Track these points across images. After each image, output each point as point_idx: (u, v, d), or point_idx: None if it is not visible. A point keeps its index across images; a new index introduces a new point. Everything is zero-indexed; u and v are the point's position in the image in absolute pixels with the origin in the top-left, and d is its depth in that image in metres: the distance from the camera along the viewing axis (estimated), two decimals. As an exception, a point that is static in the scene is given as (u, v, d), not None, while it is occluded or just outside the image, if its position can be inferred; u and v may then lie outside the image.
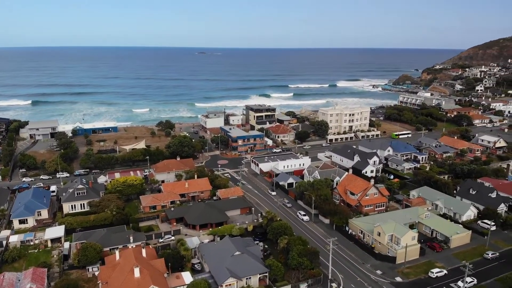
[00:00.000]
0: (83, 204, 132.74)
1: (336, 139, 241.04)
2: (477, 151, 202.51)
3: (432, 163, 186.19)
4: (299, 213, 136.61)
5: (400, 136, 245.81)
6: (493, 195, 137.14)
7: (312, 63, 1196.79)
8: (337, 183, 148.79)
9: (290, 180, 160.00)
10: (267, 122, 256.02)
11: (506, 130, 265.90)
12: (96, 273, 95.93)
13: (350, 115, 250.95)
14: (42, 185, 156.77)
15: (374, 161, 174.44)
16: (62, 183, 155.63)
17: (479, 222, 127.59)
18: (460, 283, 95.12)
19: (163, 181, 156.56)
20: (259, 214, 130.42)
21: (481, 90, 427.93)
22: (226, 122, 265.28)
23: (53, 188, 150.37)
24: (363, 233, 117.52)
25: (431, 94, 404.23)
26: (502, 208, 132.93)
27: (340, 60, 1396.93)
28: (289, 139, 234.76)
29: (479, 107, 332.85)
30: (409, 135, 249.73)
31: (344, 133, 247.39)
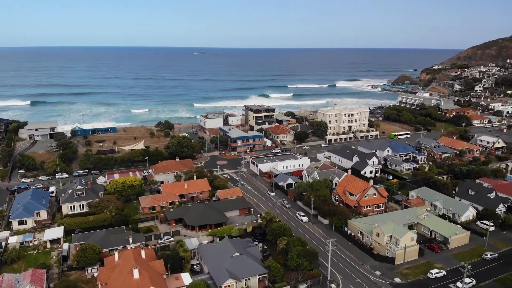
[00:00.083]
0: (82, 205, 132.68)
1: (335, 140, 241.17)
2: (476, 151, 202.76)
3: (431, 163, 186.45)
4: (298, 213, 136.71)
5: (399, 137, 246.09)
6: (492, 195, 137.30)
7: (311, 63, 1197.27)
8: (336, 184, 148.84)
9: (289, 181, 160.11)
10: (266, 123, 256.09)
11: (505, 130, 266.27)
12: (95, 274, 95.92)
13: (349, 115, 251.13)
14: (41, 186, 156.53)
15: (373, 162, 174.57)
16: (61, 184, 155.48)
17: (478, 222, 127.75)
18: (459, 284, 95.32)
19: (162, 182, 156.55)
20: (258, 215, 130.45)
21: (480, 90, 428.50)
22: (225, 122, 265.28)
23: (52, 189, 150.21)
24: (362, 233, 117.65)
25: (430, 94, 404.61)
26: (501, 208, 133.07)
27: (339, 60, 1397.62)
28: (288, 139, 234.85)
29: (478, 107, 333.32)
30: (408, 136, 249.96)
31: (343, 133, 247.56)
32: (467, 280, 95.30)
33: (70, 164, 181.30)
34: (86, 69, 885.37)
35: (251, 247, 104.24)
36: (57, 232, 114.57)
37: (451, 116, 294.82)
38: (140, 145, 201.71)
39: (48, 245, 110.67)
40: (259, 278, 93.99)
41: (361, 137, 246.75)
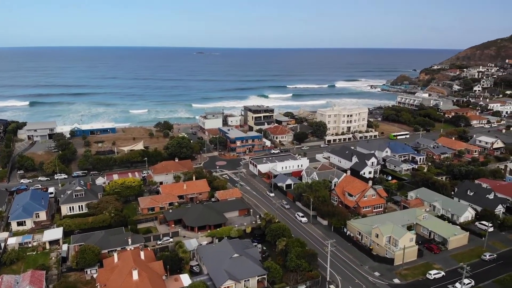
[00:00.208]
0: (81, 206, 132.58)
1: (334, 140, 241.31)
2: (475, 152, 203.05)
3: (430, 164, 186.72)
4: (297, 214, 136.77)
5: (398, 137, 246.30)
6: (491, 196, 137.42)
7: (311, 63, 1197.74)
8: (335, 185, 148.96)
9: (289, 182, 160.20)
10: (266, 123, 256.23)
11: (503, 130, 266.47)
12: (95, 276, 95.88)
13: (348, 116, 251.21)
14: (40, 186, 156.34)
15: (372, 162, 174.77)
16: (60, 185, 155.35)
17: (476, 223, 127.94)
18: (458, 285, 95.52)
19: (161, 183, 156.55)
20: (258, 216, 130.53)
21: (478, 90, 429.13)
22: (224, 123, 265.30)
23: (51, 189, 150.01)
24: (361, 234, 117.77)
25: (429, 95, 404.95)
26: (499, 209, 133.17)
27: (338, 60, 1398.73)
28: (287, 140, 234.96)
29: (477, 108, 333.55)
30: (407, 136, 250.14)
31: (342, 134, 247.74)
32: (466, 281, 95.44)
33: (69, 165, 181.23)
34: (85, 69, 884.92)
35: (250, 248, 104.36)
36: (56, 233, 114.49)
37: (450, 116, 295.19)
38: (139, 146, 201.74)
39: (47, 246, 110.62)
40: (258, 279, 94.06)
41: (360, 137, 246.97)
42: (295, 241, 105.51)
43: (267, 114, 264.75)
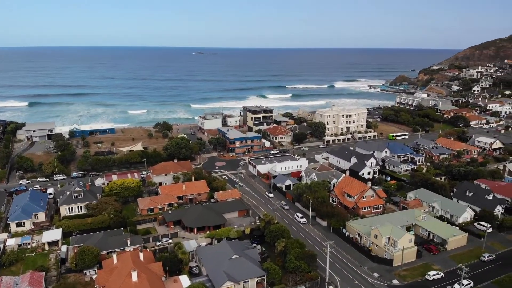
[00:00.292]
0: (81, 206, 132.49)
1: (333, 141, 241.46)
2: (474, 152, 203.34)
3: (429, 164, 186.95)
4: (296, 215, 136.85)
5: (397, 138, 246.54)
6: (490, 197, 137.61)
7: (310, 63, 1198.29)
8: (334, 185, 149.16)
9: (288, 182, 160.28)
10: (265, 124, 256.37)
11: (502, 131, 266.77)
12: (94, 277, 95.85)
13: (347, 116, 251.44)
14: (39, 187, 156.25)
15: (371, 163, 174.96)
16: (59, 186, 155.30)
17: (475, 224, 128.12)
18: (456, 286, 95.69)
19: (160, 184, 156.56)
20: (257, 217, 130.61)
21: (477, 91, 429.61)
22: (224, 123, 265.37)
23: (50, 190, 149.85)
24: (360, 235, 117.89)
25: (428, 95, 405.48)
26: (498, 210, 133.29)
27: (338, 60, 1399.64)
28: (287, 140, 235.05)
29: (476, 108, 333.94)
30: (406, 137, 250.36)
31: (341, 134, 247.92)
32: (465, 282, 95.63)
33: (68, 166, 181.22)
34: (84, 69, 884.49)
35: (249, 249, 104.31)
36: (55, 234, 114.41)
37: (449, 117, 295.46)
38: (138, 146, 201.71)
39: (46, 247, 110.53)
40: (257, 280, 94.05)
41: (359, 138, 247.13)
42: (294, 242, 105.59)
43: (266, 114, 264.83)
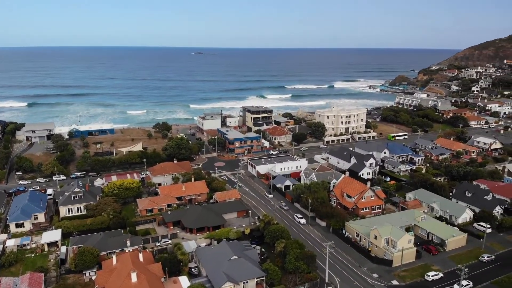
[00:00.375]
0: (80, 207, 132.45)
1: (332, 141, 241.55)
2: (473, 153, 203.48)
3: (428, 165, 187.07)
4: (296, 216, 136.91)
5: (396, 138, 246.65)
6: (489, 197, 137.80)
7: (310, 64, 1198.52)
8: (333, 186, 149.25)
9: (287, 183, 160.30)
10: (264, 124, 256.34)
11: (501, 131, 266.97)
12: (93, 278, 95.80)
13: (346, 116, 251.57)
14: (38, 188, 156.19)
15: (371, 163, 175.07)
16: (58, 186, 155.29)
17: (475, 224, 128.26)
18: (456, 286, 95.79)
19: (160, 184, 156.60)
20: (256, 217, 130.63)
21: (477, 91, 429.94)
22: (223, 123, 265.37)
23: (49, 191, 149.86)
24: (360, 236, 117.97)
25: (427, 95, 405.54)
26: (497, 210, 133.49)
27: (338, 60, 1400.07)
28: (286, 141, 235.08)
29: (475, 108, 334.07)
30: (405, 137, 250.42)
31: (341, 134, 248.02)
32: (464, 282, 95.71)
33: (68, 166, 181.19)
34: (84, 69, 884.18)
35: (249, 250, 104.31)
36: (54, 235, 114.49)
37: (448, 117, 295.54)
38: (138, 147, 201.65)
39: (46, 248, 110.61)
40: (257, 281, 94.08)
41: (359, 138, 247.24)
42: (294, 243, 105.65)
43: (265, 115, 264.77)
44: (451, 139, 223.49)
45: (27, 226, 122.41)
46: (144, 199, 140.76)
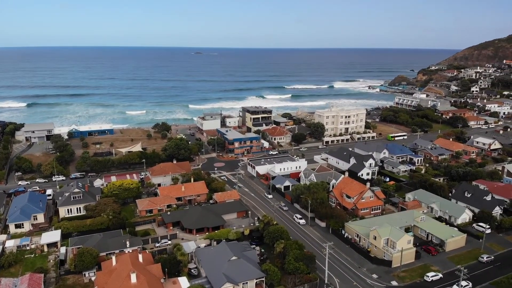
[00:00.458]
0: (79, 208, 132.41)
1: (332, 141, 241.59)
2: (472, 153, 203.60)
3: (427, 165, 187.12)
4: (295, 216, 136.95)
5: (396, 138, 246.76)
6: (488, 198, 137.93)
7: (309, 64, 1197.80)
8: (333, 186, 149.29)
9: (287, 183, 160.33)
10: (264, 124, 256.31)
11: (501, 131, 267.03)
12: (93, 279, 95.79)
13: (346, 117, 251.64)
14: (38, 188, 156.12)
15: (370, 164, 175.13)
16: (58, 187, 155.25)
17: (474, 225, 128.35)
18: (455, 287, 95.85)
19: (159, 185, 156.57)
20: (256, 218, 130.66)
21: (476, 91, 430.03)
22: (223, 124, 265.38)
23: (49, 191, 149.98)
24: (359, 236, 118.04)
25: (427, 95, 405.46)
26: (497, 211, 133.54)
27: (337, 60, 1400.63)
28: (286, 141, 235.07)
29: (474, 109, 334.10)
30: (405, 137, 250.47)
31: (340, 135, 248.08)
32: (464, 283, 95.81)
33: (67, 167, 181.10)
34: (83, 69, 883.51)
35: (248, 251, 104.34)
36: (54, 235, 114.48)
37: (448, 117, 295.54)
38: (137, 147, 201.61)
39: (45, 249, 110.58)
40: (256, 282, 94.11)
41: (358, 138, 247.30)
42: (293, 244, 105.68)
43: (265, 115, 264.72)
44: (451, 139, 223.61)
45: (27, 226, 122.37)
46: (144, 199, 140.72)
